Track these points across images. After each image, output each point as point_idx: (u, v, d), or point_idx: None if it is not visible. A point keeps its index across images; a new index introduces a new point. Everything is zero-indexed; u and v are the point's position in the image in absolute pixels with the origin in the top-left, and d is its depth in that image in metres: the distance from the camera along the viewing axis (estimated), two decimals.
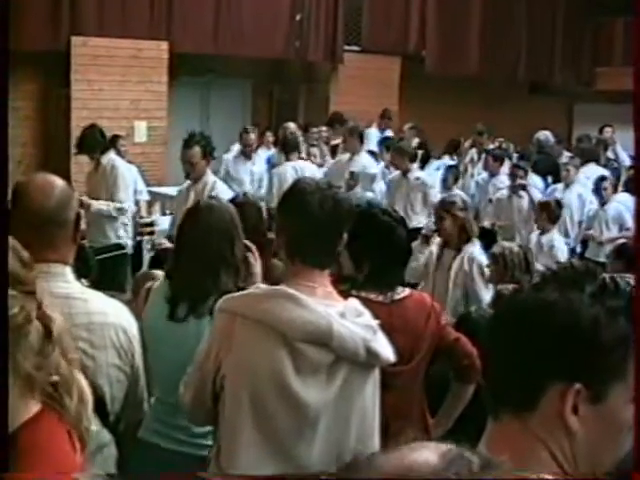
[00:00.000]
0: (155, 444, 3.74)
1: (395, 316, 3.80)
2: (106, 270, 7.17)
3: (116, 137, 11.00)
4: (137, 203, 10.63)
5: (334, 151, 13.53)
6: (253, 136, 12.08)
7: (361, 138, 11.52)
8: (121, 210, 8.59)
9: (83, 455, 1.95)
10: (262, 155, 12.88)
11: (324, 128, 14.00)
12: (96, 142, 8.72)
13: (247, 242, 3.98)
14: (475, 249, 6.64)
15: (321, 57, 15.93)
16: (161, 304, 3.82)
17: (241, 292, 3.23)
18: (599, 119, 15.58)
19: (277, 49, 15.25)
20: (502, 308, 1.74)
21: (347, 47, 16.19)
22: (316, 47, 15.72)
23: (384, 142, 12.97)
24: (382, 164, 11.96)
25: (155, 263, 6.25)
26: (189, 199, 7.26)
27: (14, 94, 11.44)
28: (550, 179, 12.38)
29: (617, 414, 1.61)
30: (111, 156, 8.82)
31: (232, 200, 5.35)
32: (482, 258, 6.60)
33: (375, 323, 2.99)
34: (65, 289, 2.93)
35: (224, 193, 7.44)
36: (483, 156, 13.17)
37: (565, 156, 13.58)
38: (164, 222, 9.93)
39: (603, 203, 10.70)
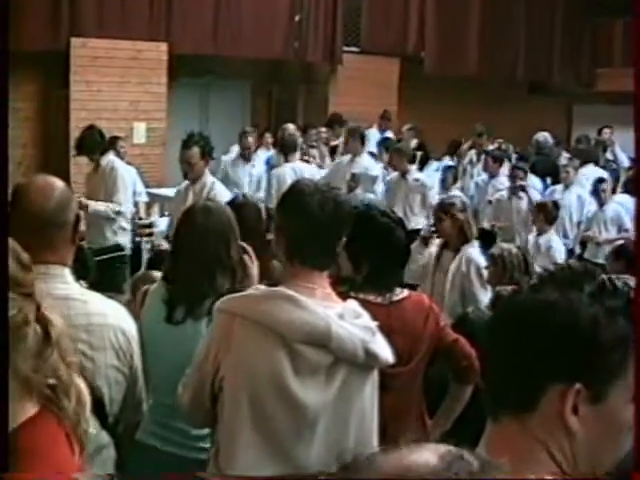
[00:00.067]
0: (153, 446, 3.75)
1: (394, 317, 3.80)
2: (105, 271, 7.17)
3: (115, 138, 10.99)
4: (136, 204, 10.62)
5: (333, 152, 13.53)
6: (252, 139, 12.07)
7: (362, 139, 11.53)
8: (119, 213, 8.59)
9: (82, 457, 1.95)
10: (261, 156, 12.88)
11: (323, 129, 14.00)
12: (95, 143, 8.71)
13: (243, 244, 3.98)
14: (473, 250, 6.63)
15: (320, 58, 15.93)
16: (158, 306, 3.83)
17: (240, 293, 3.23)
18: (598, 120, 15.59)
19: (276, 50, 15.26)
20: (501, 309, 1.75)
21: (346, 48, 16.19)
22: (315, 48, 15.73)
23: (383, 143, 12.97)
24: (380, 165, 11.96)
25: (153, 264, 6.25)
26: (187, 200, 7.25)
27: (14, 95, 11.42)
28: (549, 180, 12.39)
29: (617, 414, 1.61)
30: (110, 157, 8.82)
31: (231, 201, 5.35)
32: (480, 259, 6.59)
33: (374, 324, 2.99)
34: (64, 290, 2.93)
35: (223, 194, 7.45)
36: (483, 157, 13.17)
37: (564, 157, 13.59)
38: (163, 223, 9.93)
39: (601, 204, 10.71)
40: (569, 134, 18.06)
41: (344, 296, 3.19)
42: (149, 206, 11.75)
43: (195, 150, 7.59)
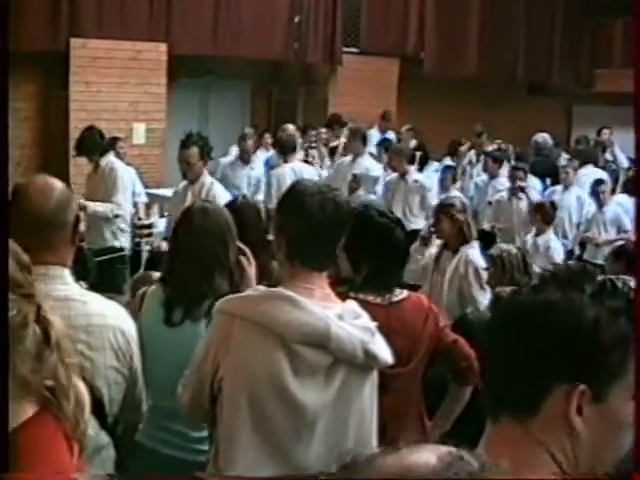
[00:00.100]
0: (153, 449, 3.75)
1: (393, 318, 3.80)
2: (104, 272, 7.17)
3: (115, 139, 10.99)
4: (135, 205, 10.63)
5: (333, 153, 13.54)
6: (251, 142, 12.05)
7: (364, 140, 11.53)
8: (118, 216, 8.59)
9: (81, 457, 1.95)
10: (261, 157, 12.89)
11: (323, 130, 14.00)
12: (95, 144, 8.71)
13: (241, 245, 3.97)
14: (472, 251, 6.63)
15: (320, 59, 15.94)
16: (156, 308, 3.83)
17: (239, 294, 3.24)
18: (598, 121, 15.60)
19: (276, 50, 15.26)
20: (502, 310, 1.73)
21: (346, 49, 16.21)
22: (315, 49, 15.73)
23: (382, 144, 12.98)
24: (380, 166, 11.96)
25: (151, 264, 6.26)
26: (186, 200, 7.23)
27: (14, 95, 11.42)
28: (548, 181, 12.39)
29: (618, 413, 1.62)
30: (110, 158, 8.82)
31: (232, 202, 5.35)
32: (479, 260, 6.59)
33: (373, 325, 2.99)
34: (64, 291, 2.93)
35: (222, 194, 7.44)
36: (482, 158, 13.17)
37: (563, 158, 13.60)
38: (162, 224, 9.93)
39: (600, 206, 10.71)
40: (569, 135, 18.06)
41: (343, 297, 3.19)
42: (148, 207, 11.75)
43: (194, 150, 7.57)
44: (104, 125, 10.02)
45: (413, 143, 13.67)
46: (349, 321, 2.93)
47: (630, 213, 10.44)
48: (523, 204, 10.59)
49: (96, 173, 8.70)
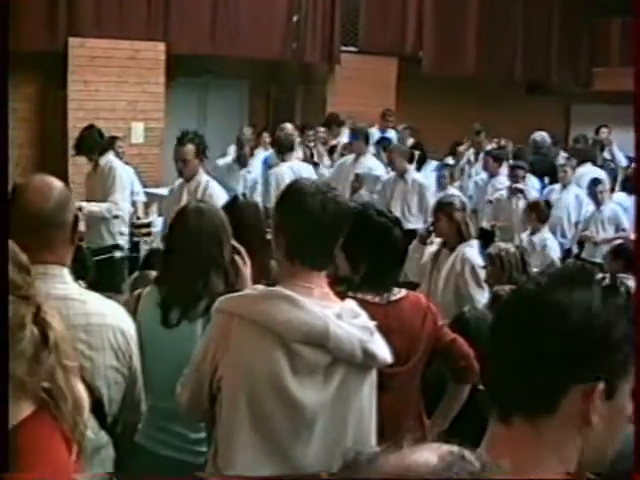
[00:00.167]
0: (152, 450, 3.75)
1: (391, 317, 3.80)
2: (103, 271, 7.17)
3: (114, 138, 10.99)
4: (134, 204, 10.62)
5: (331, 152, 13.55)
6: (247, 148, 12.02)
7: (367, 139, 11.52)
8: (117, 217, 8.58)
9: (79, 458, 1.95)
10: (259, 156, 12.90)
11: (321, 129, 14.00)
12: (94, 143, 8.71)
13: (235, 244, 3.97)
14: (469, 249, 6.63)
15: (318, 58, 15.93)
16: (152, 309, 3.82)
17: (238, 293, 3.24)
18: (596, 120, 15.59)
19: (274, 50, 15.26)
20: (512, 312, 1.70)
21: (344, 48, 16.20)
22: (313, 48, 15.73)
23: (381, 142, 12.98)
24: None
25: (148, 263, 6.25)
26: (182, 199, 7.20)
27: (12, 95, 11.38)
28: (547, 180, 12.39)
29: (623, 408, 1.64)
30: (109, 157, 8.81)
31: (232, 201, 5.34)
32: (477, 259, 6.59)
33: (372, 324, 2.99)
34: (63, 290, 2.93)
35: (218, 193, 7.42)
36: (481, 156, 13.17)
37: (562, 157, 13.60)
38: (161, 223, 9.92)
39: (598, 205, 10.71)
40: (567, 134, 18.05)
41: (342, 296, 3.19)
42: (147, 206, 11.74)
43: (189, 147, 7.53)
44: (102, 124, 9.99)
45: (410, 142, 13.68)
46: (348, 320, 2.93)
47: (629, 211, 10.45)
48: (522, 203, 10.59)
49: (95, 172, 8.69)
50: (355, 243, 3.67)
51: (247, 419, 2.91)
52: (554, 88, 18.50)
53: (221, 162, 12.24)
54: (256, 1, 14.97)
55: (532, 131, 13.97)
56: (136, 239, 10.36)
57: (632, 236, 9.12)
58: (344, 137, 14.11)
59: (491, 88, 17.04)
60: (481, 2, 17.37)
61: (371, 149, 12.65)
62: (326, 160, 13.20)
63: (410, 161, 11.05)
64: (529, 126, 14.52)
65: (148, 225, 10.96)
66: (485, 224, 10.90)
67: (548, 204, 9.76)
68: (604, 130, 14.92)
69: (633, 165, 12.48)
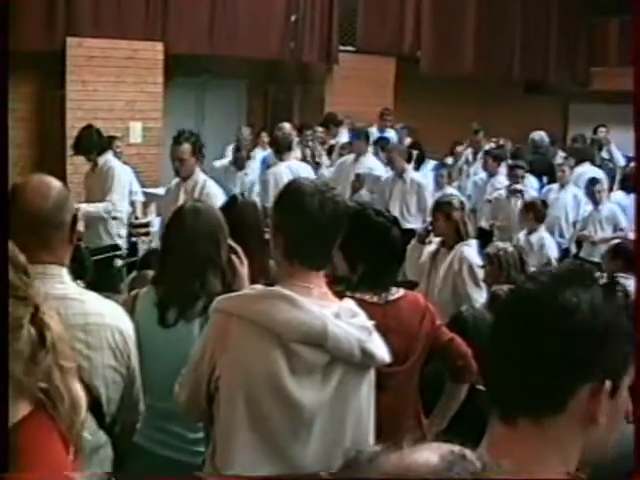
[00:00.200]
0: (151, 450, 3.75)
1: (390, 317, 3.80)
2: (101, 271, 7.17)
3: (112, 138, 10.98)
4: (132, 204, 10.62)
5: (330, 152, 13.55)
6: (244, 152, 12.00)
7: (367, 139, 11.52)
8: (116, 218, 8.58)
9: (77, 459, 1.95)
10: (258, 155, 12.90)
11: (319, 129, 14.00)
12: (92, 143, 8.71)
13: (232, 243, 3.97)
14: (467, 249, 6.62)
15: (316, 58, 15.93)
16: (150, 309, 3.82)
17: (236, 293, 3.24)
18: (594, 119, 15.60)
19: (272, 50, 15.26)
20: (514, 311, 1.70)
21: (342, 48, 16.19)
22: (311, 48, 15.73)
23: (379, 142, 12.97)
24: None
25: (145, 263, 6.25)
26: (179, 198, 7.19)
27: (10, 95, 11.39)
28: (545, 180, 12.39)
29: (623, 405, 1.66)
30: (107, 157, 8.80)
31: (230, 201, 5.34)
32: (475, 258, 6.59)
33: (370, 324, 2.99)
34: (62, 290, 2.93)
35: (216, 193, 7.41)
36: (480, 156, 13.17)
37: (560, 156, 13.60)
38: (158, 223, 9.92)
39: (596, 204, 10.71)
40: (565, 133, 18.05)
41: (340, 295, 3.19)
42: (145, 205, 11.74)
43: (186, 146, 7.52)
44: (101, 124, 9.99)
45: (407, 141, 13.68)
46: (346, 320, 2.93)
47: (627, 210, 10.46)
48: (521, 203, 10.58)
49: (94, 172, 8.69)
50: (353, 243, 3.68)
51: (245, 419, 2.91)
52: (552, 87, 18.52)
53: (218, 164, 12.24)
54: (254, 1, 14.96)
55: (530, 130, 13.97)
56: (134, 239, 10.35)
57: (631, 235, 9.14)
58: (342, 137, 14.11)
59: (489, 87, 17.04)
60: (479, 1, 17.37)
61: (370, 149, 12.66)
62: (325, 160, 13.20)
63: (408, 160, 11.05)
64: (527, 125, 14.53)
65: (146, 225, 10.96)
66: (484, 224, 10.89)
67: (544, 204, 9.76)
68: (602, 129, 14.93)
69: (632, 164, 12.48)
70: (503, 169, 11.84)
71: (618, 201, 10.98)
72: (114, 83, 13.44)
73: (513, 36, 17.88)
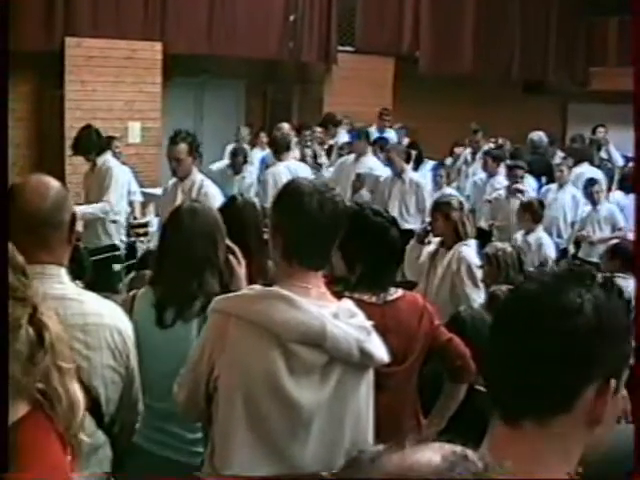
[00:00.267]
0: (150, 451, 3.75)
1: (388, 317, 3.81)
2: (100, 271, 7.17)
3: (111, 138, 10.98)
4: (131, 204, 10.63)
5: (329, 152, 13.55)
6: (241, 158, 11.98)
7: (368, 139, 11.52)
8: (115, 221, 8.57)
9: (74, 460, 1.95)
10: (256, 156, 12.90)
11: (318, 129, 14.00)
12: (91, 143, 8.70)
13: (230, 243, 3.97)
14: (466, 249, 6.62)
15: (315, 58, 15.93)
16: (147, 310, 3.82)
17: (235, 293, 3.24)
18: (593, 119, 15.61)
19: (271, 49, 15.26)
20: (517, 313, 1.69)
21: (341, 48, 16.19)
22: (310, 48, 15.73)
23: (378, 142, 12.97)
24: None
25: (143, 263, 6.25)
26: (176, 198, 7.19)
27: (9, 95, 11.40)
28: (544, 180, 12.39)
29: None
30: (106, 157, 8.79)
31: (230, 201, 5.33)
32: (474, 258, 6.59)
33: (369, 324, 2.99)
34: (60, 290, 2.93)
35: (214, 193, 7.41)
36: (479, 156, 13.17)
37: (558, 156, 13.60)
38: (157, 223, 9.92)
39: (594, 204, 10.71)
40: (564, 133, 18.05)
41: (339, 296, 3.19)
42: (144, 206, 11.74)
43: (182, 146, 7.51)
44: (99, 124, 9.98)
45: (405, 141, 13.68)
46: (345, 320, 2.93)
47: (626, 210, 10.47)
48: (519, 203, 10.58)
49: (93, 172, 8.69)
50: (352, 243, 3.68)
51: (244, 419, 2.91)
52: (551, 87, 18.52)
53: (215, 167, 12.23)
54: (253, 1, 14.97)
55: (529, 130, 13.97)
56: (133, 239, 10.35)
57: (629, 235, 9.14)
58: (341, 137, 14.11)
59: (488, 87, 17.03)
60: (478, 1, 17.39)
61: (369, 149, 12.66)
62: (324, 160, 13.21)
63: (407, 161, 11.04)
64: (526, 125, 14.53)
65: (145, 225, 10.96)
66: (483, 224, 10.89)
67: (541, 204, 9.75)
68: (601, 129, 14.93)
69: (630, 164, 12.49)
70: (502, 169, 11.83)
71: (617, 201, 10.98)
72: (113, 83, 13.45)
73: (512, 36, 17.88)
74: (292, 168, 10.37)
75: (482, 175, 12.40)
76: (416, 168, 11.94)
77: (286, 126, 12.84)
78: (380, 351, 2.99)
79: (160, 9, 13.97)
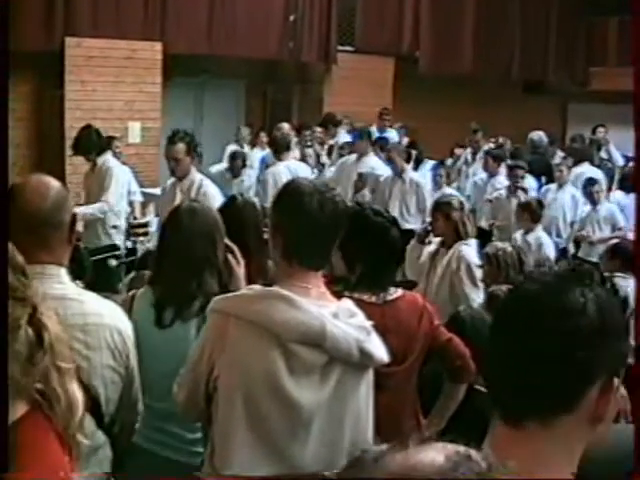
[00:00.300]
0: (150, 451, 3.75)
1: (388, 317, 3.81)
2: (100, 271, 7.16)
3: (111, 138, 10.97)
4: (131, 204, 10.62)
5: (329, 152, 13.55)
6: (240, 162, 11.97)
7: (370, 139, 11.52)
8: (115, 226, 8.57)
9: (72, 458, 1.95)
10: (256, 156, 12.90)
11: (318, 129, 14.00)
12: (91, 143, 8.70)
13: (229, 243, 3.97)
14: (466, 248, 6.61)
15: (315, 58, 15.93)
16: (147, 310, 3.82)
17: (234, 293, 3.23)
18: (593, 119, 15.61)
19: (271, 49, 15.26)
20: (518, 313, 1.68)
21: (341, 47, 16.19)
22: (310, 48, 15.73)
23: (378, 142, 12.97)
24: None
25: (143, 264, 6.25)
26: (175, 198, 7.20)
27: (9, 95, 11.40)
28: (544, 180, 12.39)
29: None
30: (106, 157, 8.80)
31: (229, 201, 5.32)
32: (473, 258, 6.58)
33: (369, 324, 2.99)
34: (60, 290, 2.93)
35: (213, 193, 7.41)
36: (479, 156, 13.17)
37: (558, 156, 13.60)
38: (157, 223, 9.92)
39: (594, 204, 10.71)
40: (564, 133, 18.05)
41: (338, 296, 3.19)
42: (144, 206, 11.73)
43: (180, 146, 7.52)
44: (99, 124, 9.98)
45: (405, 141, 13.68)
46: (344, 320, 2.93)
47: (626, 210, 10.47)
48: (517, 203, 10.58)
49: (93, 172, 8.70)
50: (351, 243, 3.68)
51: (243, 419, 2.91)
52: (551, 87, 18.52)
53: (214, 169, 12.22)
54: (253, 1, 14.97)
55: (529, 130, 13.97)
56: (133, 239, 10.34)
57: (629, 235, 9.15)
58: (341, 137, 14.11)
59: (488, 87, 17.03)
60: (478, 1, 17.38)
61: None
62: (325, 160, 13.21)
63: (407, 160, 11.05)
64: (526, 125, 14.53)
65: (145, 225, 10.95)
66: (484, 224, 10.89)
67: (540, 204, 9.75)
68: (601, 129, 14.93)
69: (630, 164, 12.49)
70: (503, 169, 11.83)
71: (618, 201, 10.99)
72: (113, 83, 13.44)
73: (512, 36, 17.88)
74: (292, 168, 10.38)
75: (483, 175, 12.39)
76: (416, 168, 11.94)
77: (286, 126, 12.85)
78: (380, 351, 2.99)
79: (160, 9, 13.97)
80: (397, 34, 16.74)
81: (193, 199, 6.05)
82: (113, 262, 8.62)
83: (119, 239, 8.83)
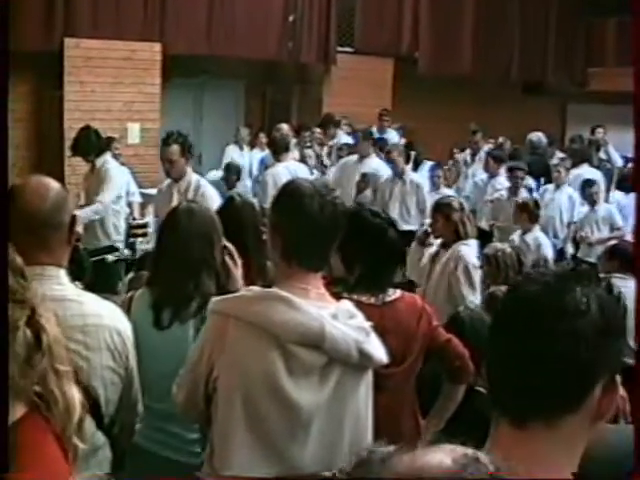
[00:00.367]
0: (150, 451, 3.75)
1: (387, 318, 3.81)
2: (99, 272, 7.16)
3: (110, 139, 10.97)
4: (130, 205, 10.62)
5: (329, 153, 13.56)
6: (235, 177, 11.92)
7: (372, 140, 11.52)
8: (117, 250, 8.59)
9: (69, 462, 1.95)
10: (256, 156, 12.90)
11: (317, 129, 14.00)
12: (91, 144, 8.69)
13: (227, 244, 3.97)
14: (465, 248, 6.60)
15: (314, 58, 15.93)
16: (145, 311, 3.82)
17: (234, 294, 3.23)
18: (592, 120, 15.61)
19: (270, 50, 15.26)
20: (524, 314, 1.67)
21: (340, 48, 16.20)
22: (309, 48, 15.73)
23: (378, 142, 12.97)
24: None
25: (142, 265, 6.25)
26: (172, 199, 7.20)
27: (9, 96, 11.39)
28: (543, 181, 12.39)
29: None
30: (105, 158, 8.78)
31: (228, 201, 5.32)
32: (472, 258, 6.58)
33: (368, 325, 2.99)
34: (60, 291, 2.93)
35: (211, 194, 7.41)
36: (479, 157, 13.17)
37: (556, 157, 13.60)
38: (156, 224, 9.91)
39: (592, 205, 10.71)
40: (563, 134, 18.06)
41: (337, 297, 3.19)
42: (143, 207, 11.74)
43: (175, 147, 7.52)
44: (98, 125, 9.98)
45: (402, 142, 13.68)
46: (343, 321, 2.93)
47: (625, 210, 10.48)
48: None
49: (92, 173, 8.69)
50: (350, 244, 3.68)
51: (243, 420, 2.91)
52: (550, 88, 18.52)
53: (211, 176, 12.21)
54: (252, 1, 14.97)
55: (528, 131, 13.97)
56: (132, 240, 10.34)
57: (628, 236, 9.16)
58: (340, 138, 14.11)
59: (487, 88, 17.04)
60: (477, 1, 17.39)
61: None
62: (326, 160, 13.21)
63: (407, 161, 11.05)
64: (525, 126, 14.53)
65: (144, 226, 10.95)
66: (484, 224, 10.89)
67: (537, 204, 9.75)
68: (600, 130, 14.94)
69: (629, 165, 12.49)
70: (503, 170, 11.83)
71: (617, 201, 11.00)
72: (112, 84, 13.45)
73: (511, 36, 17.89)
74: (291, 169, 10.37)
75: (483, 176, 12.39)
76: (415, 169, 11.94)
77: (285, 127, 12.84)
78: (379, 352, 2.99)
79: (159, 10, 13.97)
80: (396, 35, 16.75)
81: (191, 200, 6.05)
82: (110, 258, 8.61)
83: (119, 240, 8.82)
